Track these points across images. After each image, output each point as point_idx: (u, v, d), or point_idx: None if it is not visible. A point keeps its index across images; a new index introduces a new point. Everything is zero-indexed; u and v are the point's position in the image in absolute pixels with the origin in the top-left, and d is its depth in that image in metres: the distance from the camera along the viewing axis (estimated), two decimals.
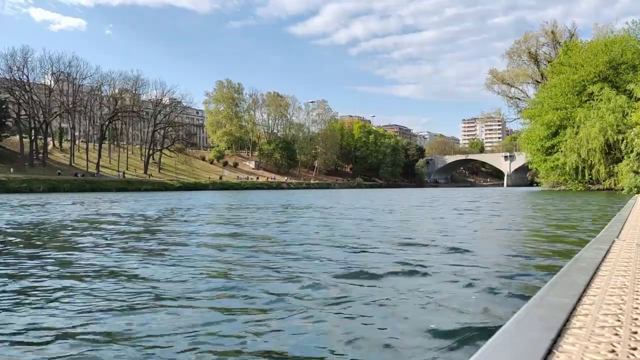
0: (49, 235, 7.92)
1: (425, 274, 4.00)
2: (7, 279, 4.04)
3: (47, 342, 2.43)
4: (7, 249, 6.17)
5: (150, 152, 77.31)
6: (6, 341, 2.46)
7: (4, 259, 5.21)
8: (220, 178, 75.20)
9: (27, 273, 4.34)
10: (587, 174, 38.43)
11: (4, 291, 3.59)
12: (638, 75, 37.50)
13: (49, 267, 4.63)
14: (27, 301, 3.30)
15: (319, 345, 2.34)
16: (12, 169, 53.23)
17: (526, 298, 2.73)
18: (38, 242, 6.93)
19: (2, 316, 2.93)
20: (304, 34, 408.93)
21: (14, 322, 2.79)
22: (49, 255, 5.52)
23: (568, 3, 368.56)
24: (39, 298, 3.37)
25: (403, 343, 2.33)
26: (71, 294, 3.48)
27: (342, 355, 2.22)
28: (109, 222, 10.39)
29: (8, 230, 8.73)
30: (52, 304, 3.18)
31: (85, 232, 8.22)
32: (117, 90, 75.55)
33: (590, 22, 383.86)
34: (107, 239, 7.09)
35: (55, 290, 3.60)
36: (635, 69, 39.15)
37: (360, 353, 2.24)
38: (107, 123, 71.87)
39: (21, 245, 6.58)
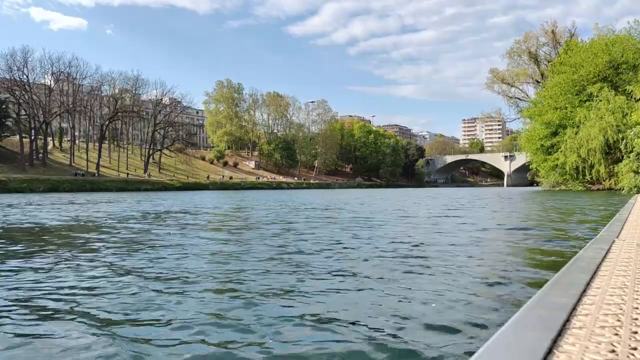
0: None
1: None
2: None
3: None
4: None
5: (150, 152, 77.29)
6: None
7: None
8: (208, 177, 74.57)
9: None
10: (587, 174, 38.39)
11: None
12: (638, 75, 37.48)
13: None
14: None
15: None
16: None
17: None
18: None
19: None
20: (303, 34, 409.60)
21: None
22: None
23: (568, 2, 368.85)
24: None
25: None
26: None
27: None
28: None
29: None
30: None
31: None
32: (117, 90, 75.48)
33: (590, 22, 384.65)
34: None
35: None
36: (635, 69, 39.11)
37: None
38: (107, 123, 71.82)
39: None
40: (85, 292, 3.57)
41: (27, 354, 2.29)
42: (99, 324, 2.73)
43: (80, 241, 7.06)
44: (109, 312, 2.98)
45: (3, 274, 4.31)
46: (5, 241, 7.08)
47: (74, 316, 2.90)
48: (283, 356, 2.23)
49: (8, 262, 4.99)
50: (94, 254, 5.58)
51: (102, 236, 7.64)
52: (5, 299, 3.35)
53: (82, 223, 10.39)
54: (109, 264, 4.84)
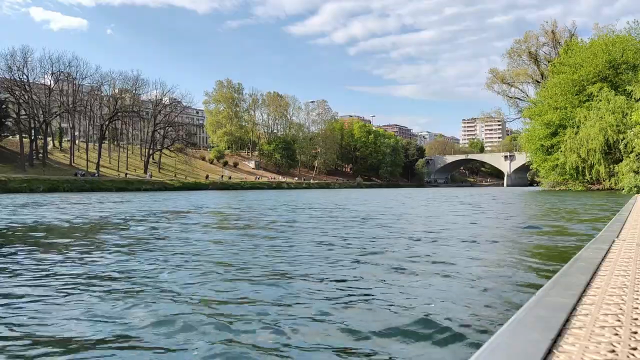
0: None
1: None
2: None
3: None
4: None
5: (150, 152, 77.26)
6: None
7: None
8: (207, 177, 74.56)
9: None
10: (587, 174, 38.40)
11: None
12: (638, 75, 37.48)
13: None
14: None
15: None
16: None
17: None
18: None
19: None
20: (302, 34, 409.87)
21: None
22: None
23: (568, 2, 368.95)
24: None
25: None
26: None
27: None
28: None
29: None
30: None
31: None
32: (117, 90, 75.40)
33: (589, 21, 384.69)
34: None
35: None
36: (635, 69, 39.12)
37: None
38: (107, 123, 71.74)
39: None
40: (130, 276, 4.16)
41: (103, 327, 2.69)
42: (145, 298, 3.30)
43: (102, 237, 7.41)
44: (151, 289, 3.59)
45: (59, 262, 4.95)
46: (46, 238, 7.54)
47: (129, 295, 3.40)
48: (290, 340, 2.41)
49: (61, 254, 5.61)
50: (118, 248, 6.01)
51: (123, 232, 8.12)
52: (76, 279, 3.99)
53: (98, 222, 10.71)
54: (133, 255, 5.38)
